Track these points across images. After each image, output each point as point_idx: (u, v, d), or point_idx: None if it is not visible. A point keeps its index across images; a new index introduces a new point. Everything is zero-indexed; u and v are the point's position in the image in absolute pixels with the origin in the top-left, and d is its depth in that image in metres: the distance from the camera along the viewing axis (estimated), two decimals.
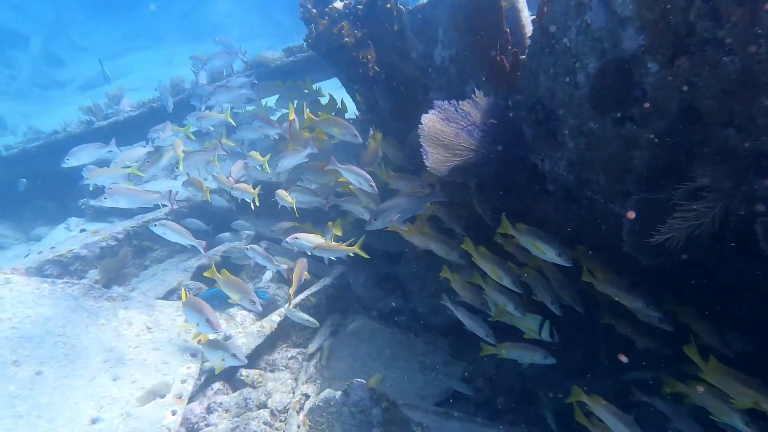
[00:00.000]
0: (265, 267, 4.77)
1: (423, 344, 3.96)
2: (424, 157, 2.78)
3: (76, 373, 3.41)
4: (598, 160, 2.31)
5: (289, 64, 6.74)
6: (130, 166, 4.27)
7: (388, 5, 4.34)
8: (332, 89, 6.12)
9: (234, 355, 3.14)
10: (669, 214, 1.92)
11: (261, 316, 4.01)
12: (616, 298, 2.43)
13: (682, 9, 1.84)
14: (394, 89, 4.19)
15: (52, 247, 5.15)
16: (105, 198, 3.70)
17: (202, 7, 21.45)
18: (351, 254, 3.54)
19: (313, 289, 4.24)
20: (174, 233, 3.74)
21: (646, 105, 2.01)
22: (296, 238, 3.73)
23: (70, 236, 5.77)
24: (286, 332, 4.04)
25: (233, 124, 4.91)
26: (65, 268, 4.90)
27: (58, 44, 19.70)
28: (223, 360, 3.15)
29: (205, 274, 3.48)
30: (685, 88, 1.88)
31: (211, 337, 3.47)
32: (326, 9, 4.53)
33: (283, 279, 4.60)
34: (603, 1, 2.13)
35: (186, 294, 3.31)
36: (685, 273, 2.22)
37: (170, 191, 3.90)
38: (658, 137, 2.02)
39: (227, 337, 3.78)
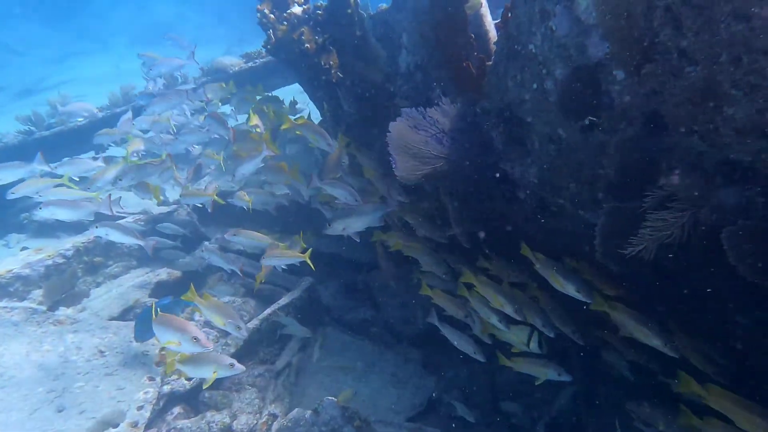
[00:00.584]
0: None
1: (395, 356, 3.88)
2: (393, 165, 2.70)
3: (14, 406, 3.11)
4: (567, 167, 2.30)
5: (247, 70, 6.56)
6: (72, 178, 3.99)
7: (349, 10, 4.25)
8: (294, 96, 5.97)
9: (231, 365, 2.89)
10: (640, 222, 1.93)
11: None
12: (633, 333, 2.34)
13: (645, 17, 1.85)
14: (359, 96, 4.11)
15: None
16: (41, 209, 3.43)
17: (151, 10, 20.66)
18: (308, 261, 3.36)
19: (282, 302, 4.08)
20: (118, 233, 3.47)
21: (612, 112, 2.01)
22: (236, 234, 3.53)
23: (10, 254, 5.33)
24: (252, 348, 3.86)
25: (173, 130, 4.74)
26: (4, 289, 4.50)
27: None
28: (215, 372, 2.88)
29: (183, 297, 3.19)
30: (651, 96, 1.89)
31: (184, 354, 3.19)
32: (285, 14, 4.40)
33: (248, 293, 4.42)
34: (567, 7, 2.13)
35: (156, 312, 3.00)
36: (656, 282, 2.25)
37: (110, 196, 3.61)
38: (627, 144, 2.03)
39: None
